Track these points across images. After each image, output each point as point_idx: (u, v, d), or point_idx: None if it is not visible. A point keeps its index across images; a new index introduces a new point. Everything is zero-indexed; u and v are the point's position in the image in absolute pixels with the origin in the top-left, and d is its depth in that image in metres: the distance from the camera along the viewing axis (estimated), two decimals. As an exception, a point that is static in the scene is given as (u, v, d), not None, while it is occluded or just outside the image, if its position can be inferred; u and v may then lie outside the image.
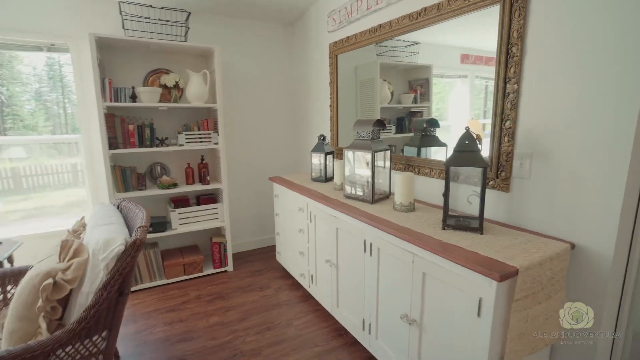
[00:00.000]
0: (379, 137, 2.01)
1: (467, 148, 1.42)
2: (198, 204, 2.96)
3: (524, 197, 1.51)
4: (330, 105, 2.80)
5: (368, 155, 1.91)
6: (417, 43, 1.96)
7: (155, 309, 2.39)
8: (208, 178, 2.90)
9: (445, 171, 1.46)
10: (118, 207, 1.77)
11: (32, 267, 1.40)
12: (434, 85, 1.97)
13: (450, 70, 1.89)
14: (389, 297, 1.64)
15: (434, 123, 2.01)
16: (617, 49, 1.16)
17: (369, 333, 1.80)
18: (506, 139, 1.54)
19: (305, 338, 2.06)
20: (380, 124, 1.99)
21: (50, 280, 1.17)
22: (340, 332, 2.10)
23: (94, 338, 1.21)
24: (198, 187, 2.84)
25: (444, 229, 1.50)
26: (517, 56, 1.46)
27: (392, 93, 2.27)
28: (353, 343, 1.99)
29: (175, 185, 2.75)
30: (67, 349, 1.15)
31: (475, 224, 1.47)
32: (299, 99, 3.43)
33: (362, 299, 1.82)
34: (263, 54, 3.28)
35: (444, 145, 1.93)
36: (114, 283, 1.18)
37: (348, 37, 2.47)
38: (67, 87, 2.70)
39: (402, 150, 2.20)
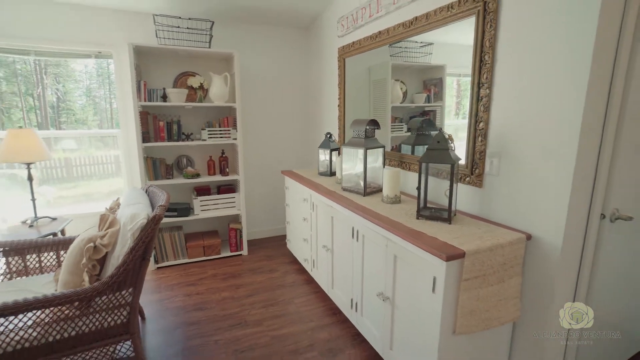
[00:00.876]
0: (373, 136, 2.21)
1: (438, 146, 1.60)
2: (218, 193, 3.30)
3: (493, 193, 1.67)
4: (338, 105, 3.02)
5: (361, 152, 2.12)
6: (431, 44, 2.00)
7: (177, 282, 2.75)
8: (227, 170, 3.23)
9: (419, 167, 1.65)
10: (146, 191, 2.11)
11: (78, 236, 1.75)
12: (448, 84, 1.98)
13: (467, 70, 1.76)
14: (370, 278, 1.86)
15: (429, 123, 2.17)
16: (568, 64, 1.31)
17: (356, 311, 2.03)
18: (479, 139, 1.70)
19: (302, 314, 2.32)
20: (374, 123, 2.19)
21: (91, 244, 1.50)
22: (334, 311, 2.34)
23: (123, 292, 1.54)
24: (218, 178, 3.17)
25: (418, 218, 1.69)
26: (488, 63, 1.61)
27: (405, 92, 2.36)
28: (344, 321, 2.22)
29: (198, 175, 3.09)
30: (102, 298, 1.48)
31: (446, 215, 1.65)
32: (311, 98, 3.68)
33: (351, 280, 2.05)
34: (279, 57, 3.55)
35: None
36: (138, 249, 1.49)
37: (354, 42, 2.67)
38: (113, 84, 3.11)
39: (400, 148, 2.37)
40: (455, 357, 1.45)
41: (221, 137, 3.12)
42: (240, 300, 2.49)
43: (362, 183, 2.16)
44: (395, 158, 2.34)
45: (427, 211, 1.73)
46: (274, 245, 3.54)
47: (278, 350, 1.96)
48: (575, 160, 1.31)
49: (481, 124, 1.69)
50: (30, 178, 2.56)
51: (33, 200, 2.59)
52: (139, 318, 2.11)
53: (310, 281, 2.75)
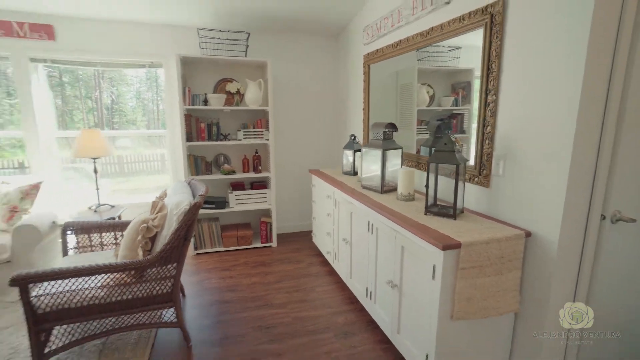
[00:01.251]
0: (392, 138, 2.38)
1: (445, 148, 1.75)
2: (251, 188, 3.60)
3: (499, 193, 1.78)
4: (362, 109, 3.21)
5: (379, 152, 2.30)
6: (459, 48, 2.05)
7: (213, 267, 3.07)
8: (260, 168, 3.52)
9: (427, 166, 1.81)
10: (189, 184, 2.43)
11: (134, 219, 2.09)
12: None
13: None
14: (382, 268, 2.03)
15: (447, 126, 2.28)
16: (565, 68, 1.42)
17: (370, 299, 2.21)
18: (487, 142, 1.82)
19: (323, 301, 2.53)
20: (392, 126, 2.36)
21: (145, 225, 1.82)
22: (352, 300, 2.53)
23: (168, 266, 1.84)
24: (252, 175, 3.47)
25: (426, 214, 1.85)
26: (495, 71, 1.74)
27: (432, 96, 2.43)
28: (360, 309, 2.40)
29: (233, 172, 3.41)
30: (152, 270, 1.79)
31: (452, 212, 1.79)
32: (338, 102, 3.89)
33: (367, 270, 2.23)
34: (309, 64, 3.80)
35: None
36: (181, 230, 1.78)
37: (377, 50, 2.84)
38: (160, 88, 3.52)
39: (419, 150, 2.51)
40: (454, 342, 1.59)
41: (255, 138, 3.42)
42: (268, 285, 2.75)
43: (379, 181, 2.34)
44: (413, 159, 2.48)
45: (435, 208, 1.87)
46: (301, 239, 3.79)
47: (298, 329, 2.19)
48: (570, 161, 1.41)
49: (488, 128, 1.81)
50: (95, 171, 3.00)
51: (97, 189, 3.03)
52: (180, 294, 2.44)
53: (332, 273, 2.96)
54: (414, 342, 1.74)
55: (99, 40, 3.18)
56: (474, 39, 1.85)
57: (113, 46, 3.22)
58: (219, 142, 3.32)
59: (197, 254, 3.35)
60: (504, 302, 1.61)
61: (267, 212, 3.64)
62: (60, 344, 1.77)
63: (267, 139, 3.42)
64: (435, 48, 2.23)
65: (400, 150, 2.37)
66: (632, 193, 1.60)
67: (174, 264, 1.87)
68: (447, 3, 2.02)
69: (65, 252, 2.33)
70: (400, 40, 2.50)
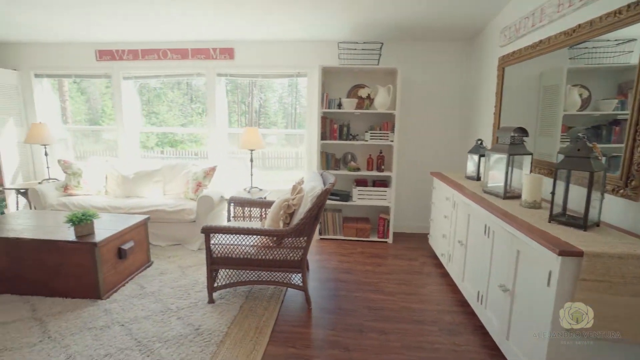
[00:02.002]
0: (521, 143, 2.29)
1: (578, 154, 1.64)
2: (373, 186, 3.88)
3: (649, 207, 1.57)
4: (493, 113, 3.09)
5: (504, 157, 2.25)
6: (633, 40, 1.69)
7: (333, 251, 3.48)
8: (383, 167, 3.77)
9: (554, 173, 1.72)
10: (321, 175, 2.87)
11: (277, 200, 2.63)
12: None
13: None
14: (495, 271, 2.01)
15: (593, 133, 2.04)
16: None
17: (481, 303, 2.19)
18: (639, 149, 1.62)
19: (432, 297, 2.61)
20: (522, 131, 2.27)
21: (286, 203, 2.31)
22: (462, 303, 2.52)
23: (300, 238, 2.28)
24: (374, 173, 3.75)
25: (550, 222, 1.76)
26: (658, 71, 1.54)
27: (586, 99, 2.14)
28: (470, 313, 2.38)
29: (358, 169, 3.76)
30: (289, 239, 2.26)
31: (582, 222, 1.66)
32: (466, 106, 3.81)
33: (480, 273, 2.22)
34: (438, 68, 3.84)
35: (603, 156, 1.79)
36: (313, 210, 2.19)
37: (514, 52, 2.73)
38: (299, 93, 4.16)
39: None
40: (568, 354, 1.50)
41: (380, 139, 3.68)
42: (380, 274, 2.98)
43: (502, 186, 2.28)
44: (545, 166, 2.32)
45: (562, 217, 1.76)
46: (416, 240, 3.87)
47: (404, 317, 2.35)
48: None
49: (642, 134, 1.61)
50: (251, 160, 3.80)
51: (251, 175, 3.83)
52: (306, 267, 2.90)
53: (445, 274, 2.98)
54: (524, 350, 1.70)
55: (260, 56, 3.99)
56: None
57: (270, 60, 3.99)
58: (347, 142, 3.72)
59: (321, 239, 3.83)
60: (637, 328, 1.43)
61: (385, 209, 3.86)
62: (222, 283, 2.41)
63: (392, 141, 3.64)
64: (595, 43, 1.94)
65: (529, 156, 2.26)
66: None
67: (305, 237, 2.30)
68: (600, -3, 1.86)
69: (228, 219, 3.08)
70: (540, 41, 2.36)
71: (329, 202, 3.76)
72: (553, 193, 1.75)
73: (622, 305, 1.42)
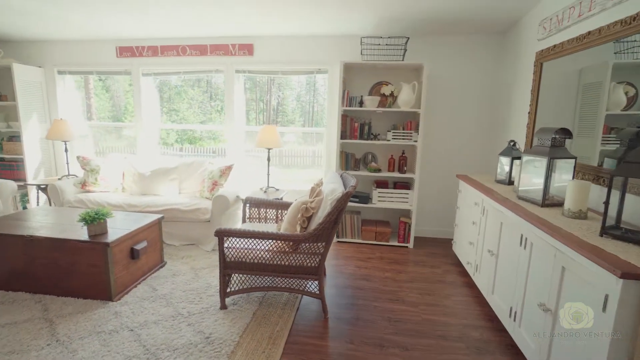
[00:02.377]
0: (563, 145, 2.07)
1: (638, 159, 1.43)
2: (394, 188, 3.70)
3: None
4: (528, 112, 2.86)
5: (544, 161, 2.04)
6: None
7: (351, 255, 3.33)
8: (405, 168, 3.58)
9: (609, 179, 1.51)
10: (341, 176, 2.72)
11: (295, 201, 2.50)
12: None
13: None
14: (533, 288, 1.81)
15: None
16: None
17: (514, 320, 1.99)
18: None
19: (457, 310, 2.42)
20: (566, 132, 2.05)
21: (304, 206, 2.17)
22: (491, 318, 2.32)
23: (318, 244, 2.14)
24: (396, 175, 3.57)
25: (601, 235, 1.55)
26: None
27: (632, 97, 1.96)
28: (500, 329, 2.19)
29: (379, 170, 3.59)
30: (306, 245, 2.12)
31: (642, 238, 1.45)
32: (497, 105, 3.56)
33: (514, 287, 2.02)
34: (467, 64, 3.61)
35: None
36: (333, 214, 2.05)
37: (555, 45, 2.49)
38: (317, 91, 4.02)
39: (602, 163, 2.08)
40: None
41: (403, 139, 3.50)
42: (400, 282, 2.81)
43: (541, 193, 2.07)
44: (590, 172, 2.09)
45: (617, 230, 1.55)
46: (439, 246, 3.66)
47: (427, 331, 2.17)
48: None
49: None
50: (268, 159, 3.69)
51: (268, 175, 3.72)
52: (323, 274, 2.76)
53: (470, 285, 2.78)
54: (568, 380, 1.50)
55: (280, 52, 3.87)
56: None
57: (290, 56, 3.87)
58: (368, 141, 3.55)
59: (338, 241, 3.68)
60: None
61: (407, 213, 3.68)
62: (235, 288, 2.31)
63: (416, 141, 3.45)
64: None
65: (573, 160, 2.04)
66: None
67: (323, 243, 2.16)
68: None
69: (244, 220, 2.98)
70: (589, 32, 2.13)
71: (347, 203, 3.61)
72: (607, 203, 1.54)
73: (694, 338, 1.21)
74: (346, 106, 3.54)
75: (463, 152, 3.80)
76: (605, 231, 1.55)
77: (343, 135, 3.58)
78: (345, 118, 3.62)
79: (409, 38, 3.41)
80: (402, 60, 3.42)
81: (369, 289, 2.69)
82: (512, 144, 2.75)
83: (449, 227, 3.88)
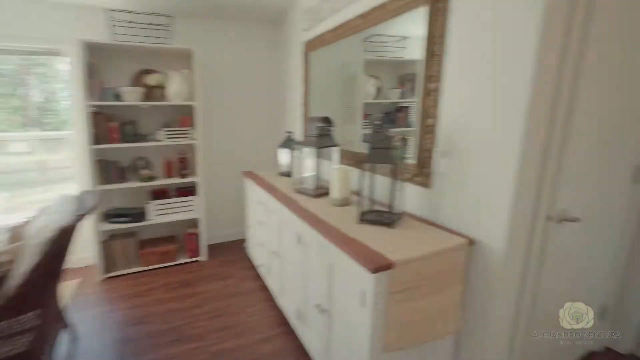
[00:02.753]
0: (328, 134, 2.07)
1: (381, 145, 1.46)
2: (178, 196, 3.12)
3: (441, 194, 1.53)
4: (301, 103, 2.88)
5: (312, 151, 1.98)
6: (406, 37, 1.85)
7: (123, 294, 2.55)
8: (185, 172, 3.05)
9: (362, 168, 1.51)
10: (78, 198, 1.91)
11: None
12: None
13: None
14: (312, 287, 1.70)
15: (389, 120, 2.02)
16: (514, 54, 1.18)
17: (301, 321, 1.86)
18: (428, 136, 1.57)
19: (250, 325, 2.15)
20: (327, 120, 2.05)
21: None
22: (283, 320, 2.17)
23: (23, 316, 1.33)
24: (176, 180, 3.00)
25: (359, 222, 1.54)
26: (438, 55, 1.48)
27: (378, 89, 2.22)
28: (290, 332, 2.05)
29: (153, 178, 2.92)
30: (-8, 313, 1.30)
31: (389, 219, 1.50)
32: (277, 96, 3.55)
33: (297, 288, 1.89)
34: (242, 53, 3.39)
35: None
36: (41, 267, 1.30)
37: (317, 36, 2.53)
38: (54, 80, 2.91)
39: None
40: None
41: (180, 138, 2.96)
42: (187, 311, 2.31)
43: (313, 184, 2.01)
44: (351, 157, 2.19)
45: (371, 215, 1.58)
46: (234, 250, 3.35)
47: (216, 368, 1.78)
48: (519, 162, 1.18)
49: (429, 120, 1.55)
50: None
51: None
52: (73, 337, 1.93)
53: (264, 288, 2.57)
54: (347, 379, 1.42)
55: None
56: (421, 28, 1.60)
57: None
58: (135, 145, 2.81)
59: (108, 277, 2.79)
60: (443, 324, 1.35)
61: (194, 222, 3.17)
62: None
63: (195, 139, 2.98)
64: (382, 38, 2.03)
65: (336, 148, 2.07)
66: (575, 192, 1.42)
67: (37, 311, 1.38)
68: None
69: None
70: (340, 24, 2.21)
71: (115, 226, 2.79)
72: (361, 190, 1.53)
73: (430, 305, 1.28)
74: (96, 101, 2.68)
75: (250, 147, 3.61)
76: (362, 218, 1.55)
77: (96, 139, 2.70)
78: (98, 116, 2.74)
79: (173, 17, 2.86)
80: (168, 44, 2.85)
81: (144, 337, 2.05)
82: (289, 134, 2.70)
83: (244, 227, 3.63)
